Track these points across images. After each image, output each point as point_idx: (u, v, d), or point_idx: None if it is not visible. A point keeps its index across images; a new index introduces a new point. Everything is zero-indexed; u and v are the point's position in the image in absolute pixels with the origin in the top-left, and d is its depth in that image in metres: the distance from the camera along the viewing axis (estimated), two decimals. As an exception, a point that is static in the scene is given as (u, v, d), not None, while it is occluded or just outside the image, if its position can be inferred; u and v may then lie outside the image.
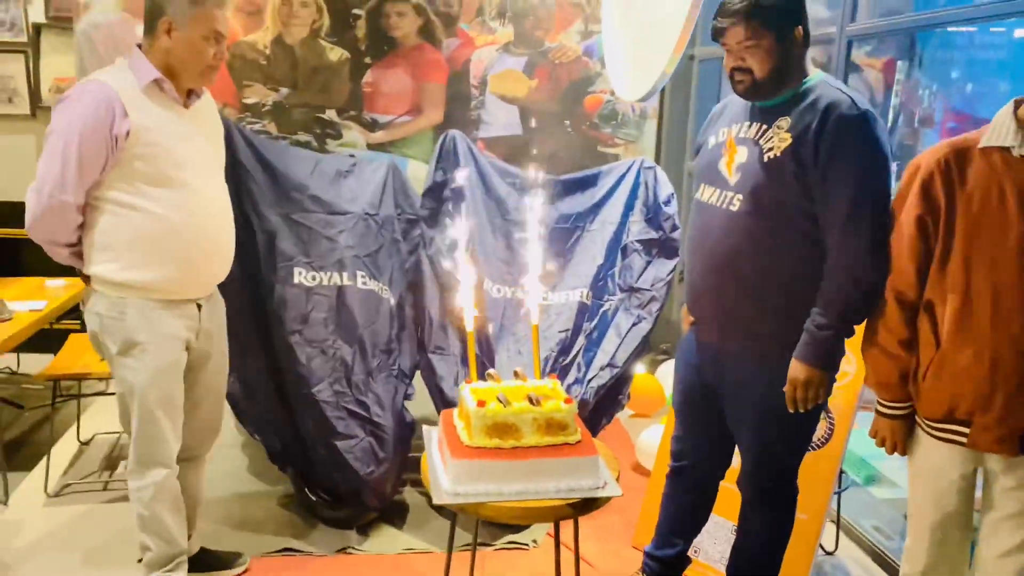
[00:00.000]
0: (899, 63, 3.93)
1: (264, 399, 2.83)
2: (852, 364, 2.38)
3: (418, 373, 2.99)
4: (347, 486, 2.70)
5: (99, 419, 3.52)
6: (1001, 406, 1.63)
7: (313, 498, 2.82)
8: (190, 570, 2.36)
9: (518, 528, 2.79)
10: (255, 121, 4.23)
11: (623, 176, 3.20)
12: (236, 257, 2.35)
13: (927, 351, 1.72)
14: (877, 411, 1.85)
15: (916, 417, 1.80)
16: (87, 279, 2.14)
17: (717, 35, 1.91)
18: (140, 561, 2.29)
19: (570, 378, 2.92)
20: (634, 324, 3.01)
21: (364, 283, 2.85)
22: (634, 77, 3.21)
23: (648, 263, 3.09)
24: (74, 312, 3.51)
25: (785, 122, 1.88)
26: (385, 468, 2.71)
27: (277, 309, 2.71)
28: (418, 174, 3.86)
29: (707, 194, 2.02)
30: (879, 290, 1.79)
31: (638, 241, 3.11)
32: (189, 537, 2.43)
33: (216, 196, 2.22)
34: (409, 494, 3.01)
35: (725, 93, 3.28)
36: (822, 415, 2.40)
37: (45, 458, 3.04)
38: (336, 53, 4.27)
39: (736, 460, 2.19)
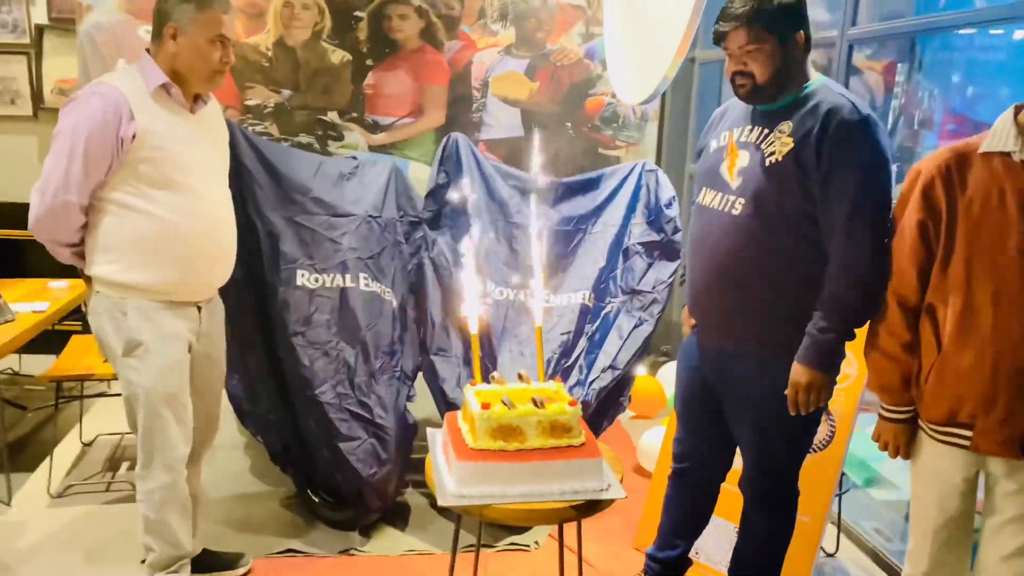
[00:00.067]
0: (899, 66, 3.94)
1: (267, 400, 2.84)
2: (854, 367, 2.39)
3: (419, 375, 3.00)
4: (349, 487, 2.71)
5: (101, 420, 3.52)
6: (1003, 409, 1.63)
7: (315, 499, 2.83)
8: (193, 571, 2.37)
9: (520, 530, 2.80)
10: (257, 123, 4.24)
11: (625, 179, 3.21)
12: (239, 259, 2.36)
13: (929, 355, 1.73)
14: (880, 415, 1.86)
15: (918, 420, 1.80)
16: (88, 280, 2.15)
17: (719, 39, 1.92)
18: (144, 562, 2.30)
19: (572, 380, 2.93)
20: (636, 326, 3.02)
21: (367, 285, 2.86)
22: (636, 81, 3.22)
23: (650, 265, 3.10)
24: (76, 313, 3.52)
25: (787, 126, 1.89)
26: (387, 470, 2.72)
27: (280, 311, 2.72)
28: (420, 176, 3.87)
29: (708, 198, 2.03)
30: (880, 294, 1.80)
31: (640, 243, 3.11)
32: (191, 537, 2.45)
33: (219, 201, 2.24)
34: (411, 495, 3.01)
35: (726, 96, 3.29)
36: (823, 418, 2.42)
37: (48, 459, 3.05)
38: (338, 55, 4.27)
39: (738, 462, 2.20)
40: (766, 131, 1.92)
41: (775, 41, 1.85)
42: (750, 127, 1.97)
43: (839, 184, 1.80)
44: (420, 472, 2.93)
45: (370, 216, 2.94)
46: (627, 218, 3.15)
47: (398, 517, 2.88)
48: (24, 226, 2.08)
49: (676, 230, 3.11)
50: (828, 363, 1.89)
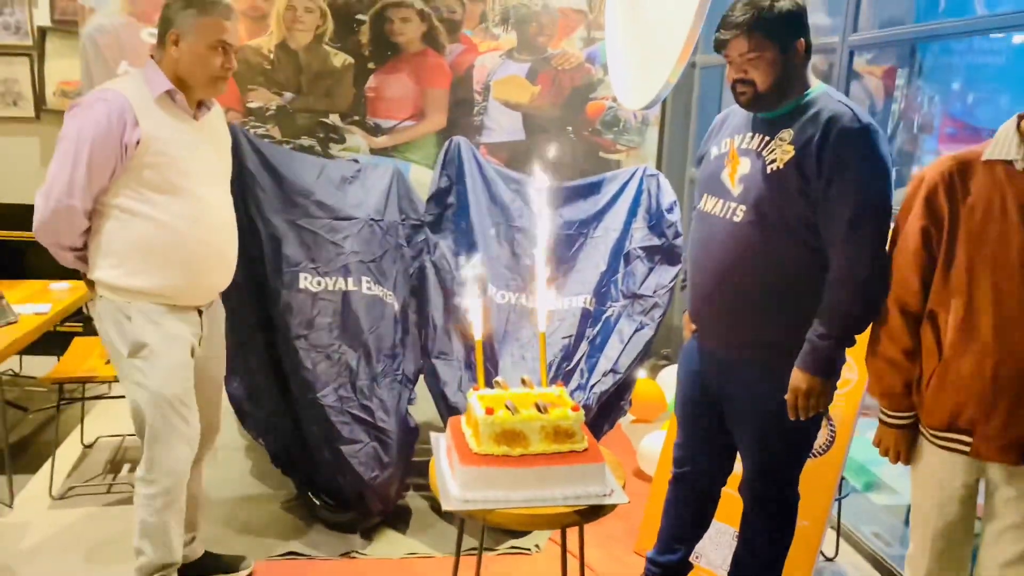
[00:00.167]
0: (899, 70, 3.95)
1: (269, 403, 2.85)
2: (854, 372, 2.41)
3: (421, 378, 3.01)
4: (351, 490, 2.71)
5: (102, 422, 3.53)
6: (1003, 415, 1.64)
7: (316, 502, 2.84)
8: (195, 574, 2.37)
9: (521, 533, 2.81)
10: (259, 125, 4.25)
11: (626, 183, 3.22)
12: (242, 262, 2.37)
13: (930, 360, 1.74)
14: (881, 420, 1.87)
15: (919, 426, 1.82)
16: (91, 284, 2.16)
17: (719, 47, 1.93)
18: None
19: (573, 384, 2.94)
20: (637, 330, 3.03)
21: (369, 288, 2.87)
22: (637, 86, 3.23)
23: (651, 270, 3.11)
24: (78, 315, 3.53)
25: (787, 134, 1.90)
26: (389, 473, 2.73)
27: (283, 314, 2.73)
28: (421, 179, 3.89)
29: (710, 204, 2.04)
30: (880, 301, 1.82)
31: (641, 248, 3.12)
32: (192, 540, 2.45)
33: (221, 206, 2.24)
34: (412, 499, 3.02)
35: (726, 100, 3.30)
36: (824, 423, 2.43)
37: (50, 461, 3.06)
38: (340, 58, 4.29)
39: (738, 466, 2.21)
40: (767, 138, 1.93)
41: (776, 49, 1.87)
42: (751, 134, 1.98)
43: (840, 192, 1.81)
44: (421, 475, 2.95)
45: (372, 220, 2.95)
46: (628, 222, 3.16)
47: (399, 520, 2.89)
48: (26, 227, 2.09)
49: (677, 235, 3.12)
50: (828, 369, 1.90)
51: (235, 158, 2.71)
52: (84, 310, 3.68)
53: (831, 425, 2.47)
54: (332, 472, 2.72)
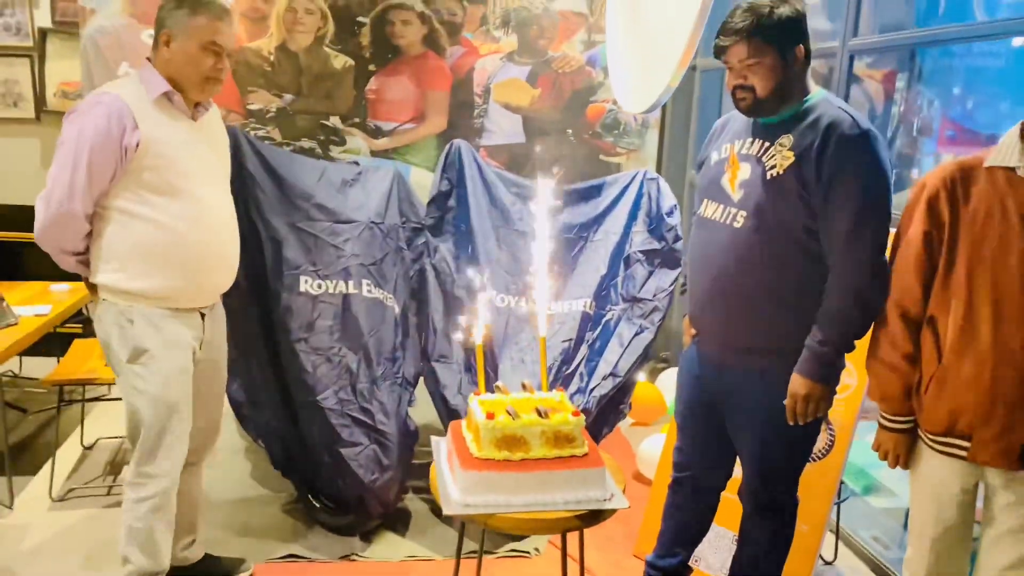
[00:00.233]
0: (899, 74, 3.96)
1: (269, 406, 2.85)
2: (853, 376, 2.41)
3: (420, 380, 3.01)
4: (351, 493, 2.72)
5: (102, 423, 3.53)
6: (1001, 420, 1.65)
7: (316, 504, 2.84)
8: (195, 576, 2.38)
9: (521, 536, 2.81)
10: (259, 127, 4.25)
11: (626, 187, 3.23)
12: (243, 265, 2.37)
13: (929, 365, 1.75)
14: (880, 424, 1.88)
15: (918, 430, 1.82)
16: (93, 288, 2.16)
17: (719, 53, 1.94)
18: None
19: (572, 387, 2.94)
20: (636, 334, 3.03)
21: (369, 291, 2.87)
22: (638, 89, 3.23)
23: (650, 273, 3.12)
24: (78, 316, 3.53)
25: (787, 140, 1.90)
26: (389, 475, 2.73)
27: (283, 317, 2.73)
28: (421, 181, 3.90)
29: (710, 210, 2.04)
30: (879, 307, 1.82)
31: (641, 251, 3.13)
32: (192, 543, 2.45)
33: (221, 207, 2.24)
34: (412, 501, 3.03)
35: (726, 103, 3.31)
36: (823, 427, 2.43)
37: (49, 462, 3.06)
38: (340, 60, 4.29)
39: (737, 471, 2.22)
40: (767, 144, 1.94)
41: (775, 55, 1.87)
42: (751, 139, 1.99)
43: (839, 198, 1.82)
44: (421, 478, 2.96)
45: (373, 222, 2.95)
46: (628, 226, 3.17)
47: (399, 522, 2.89)
48: (27, 229, 2.09)
49: (677, 238, 3.13)
50: (827, 375, 1.90)
51: (236, 160, 2.71)
52: (84, 311, 3.68)
53: (830, 429, 2.47)
54: (332, 475, 2.72)
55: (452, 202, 3.13)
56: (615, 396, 3.03)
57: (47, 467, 3.06)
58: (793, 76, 1.90)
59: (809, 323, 1.89)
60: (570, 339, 3.00)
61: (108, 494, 3.03)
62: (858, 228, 1.81)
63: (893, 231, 1.85)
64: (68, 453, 3.32)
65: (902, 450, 1.85)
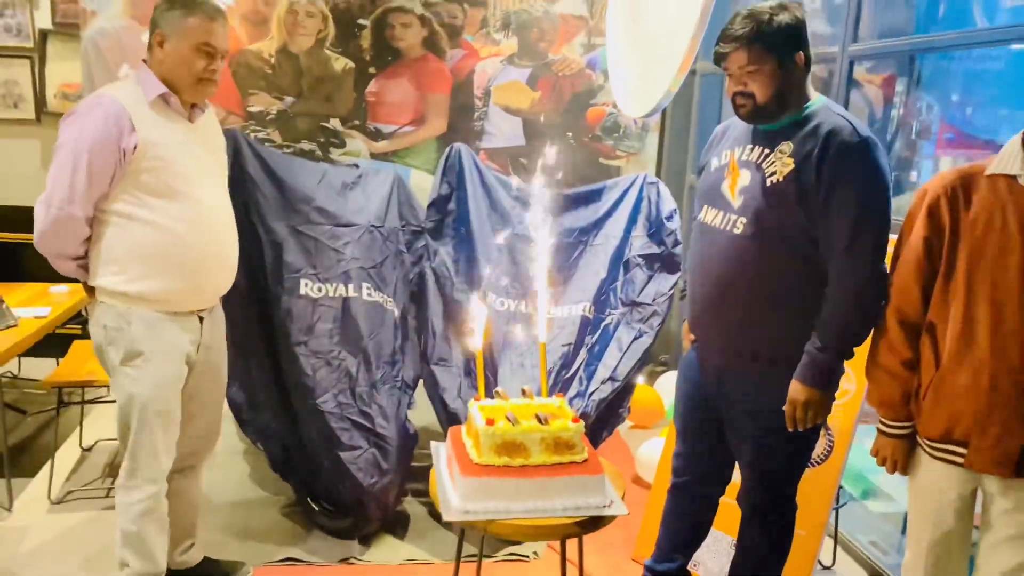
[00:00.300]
0: (898, 78, 3.97)
1: (268, 409, 2.85)
2: (852, 382, 2.42)
3: (420, 384, 3.01)
4: (350, 496, 2.72)
5: (101, 425, 3.53)
6: (998, 427, 1.65)
7: (315, 508, 2.84)
8: (195, 579, 2.38)
9: (519, 540, 2.81)
10: (259, 129, 4.25)
11: (626, 191, 3.23)
12: (243, 268, 2.37)
13: (928, 371, 1.75)
14: (879, 430, 1.88)
15: (916, 436, 1.83)
16: (91, 291, 2.15)
17: (719, 60, 1.94)
18: None
19: (572, 391, 2.94)
20: (635, 338, 3.03)
21: (369, 295, 2.87)
22: (638, 93, 3.24)
23: (650, 278, 3.12)
24: (78, 317, 3.52)
25: (787, 147, 1.90)
26: (388, 479, 2.73)
27: (283, 320, 2.74)
28: (421, 184, 3.90)
29: (710, 216, 2.05)
30: (878, 314, 1.83)
31: (640, 256, 3.13)
32: (191, 546, 2.45)
33: (219, 208, 2.24)
34: (411, 504, 3.03)
35: (726, 107, 3.32)
36: (822, 432, 2.44)
37: (48, 464, 3.06)
38: (341, 63, 4.29)
39: (736, 476, 2.22)
40: (767, 151, 1.94)
41: (775, 62, 1.88)
42: (751, 146, 1.99)
43: (839, 206, 1.83)
44: (420, 481, 2.96)
45: (373, 226, 2.96)
46: (628, 230, 3.17)
47: (398, 526, 2.90)
48: (27, 230, 2.09)
49: (676, 243, 3.13)
50: (826, 381, 1.91)
51: (236, 163, 2.71)
52: (84, 313, 3.67)
53: (829, 435, 2.48)
54: (331, 478, 2.72)
55: (452, 205, 3.13)
56: (614, 400, 3.03)
57: (46, 469, 3.06)
58: (793, 83, 1.91)
59: (808, 329, 1.90)
60: (569, 343, 3.00)
61: (107, 496, 3.02)
62: (858, 235, 1.81)
63: (893, 238, 1.85)
64: (67, 455, 3.32)
65: (901, 456, 1.85)
